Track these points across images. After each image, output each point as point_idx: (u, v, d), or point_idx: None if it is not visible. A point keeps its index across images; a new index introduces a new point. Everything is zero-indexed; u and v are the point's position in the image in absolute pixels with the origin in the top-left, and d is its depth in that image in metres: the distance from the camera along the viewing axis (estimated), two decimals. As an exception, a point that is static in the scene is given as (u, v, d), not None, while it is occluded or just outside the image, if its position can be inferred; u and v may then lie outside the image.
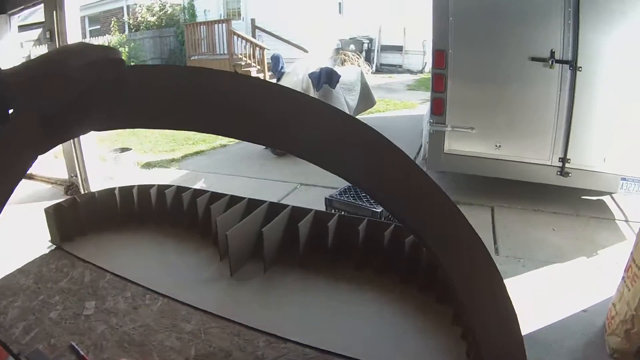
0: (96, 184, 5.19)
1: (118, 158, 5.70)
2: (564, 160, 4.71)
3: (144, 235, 1.97)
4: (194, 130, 0.82)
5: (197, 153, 6.99)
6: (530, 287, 3.52)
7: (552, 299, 3.35)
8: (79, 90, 0.75)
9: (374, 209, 2.76)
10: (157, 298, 1.56)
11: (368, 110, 8.22)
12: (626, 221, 4.77)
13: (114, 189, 2.08)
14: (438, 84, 4.92)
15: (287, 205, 1.88)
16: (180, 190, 2.03)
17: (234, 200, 1.92)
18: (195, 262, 1.77)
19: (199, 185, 5.62)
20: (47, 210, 1.86)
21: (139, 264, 1.77)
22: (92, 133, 5.33)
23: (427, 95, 10.72)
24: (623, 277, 2.83)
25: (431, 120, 5.07)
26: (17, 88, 0.70)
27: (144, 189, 2.07)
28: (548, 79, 4.57)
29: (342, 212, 2.90)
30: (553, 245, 4.23)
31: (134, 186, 2.09)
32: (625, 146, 4.48)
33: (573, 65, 4.45)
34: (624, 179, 4.53)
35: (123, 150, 5.91)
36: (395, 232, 1.72)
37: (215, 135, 6.52)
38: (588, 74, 4.43)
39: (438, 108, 4.98)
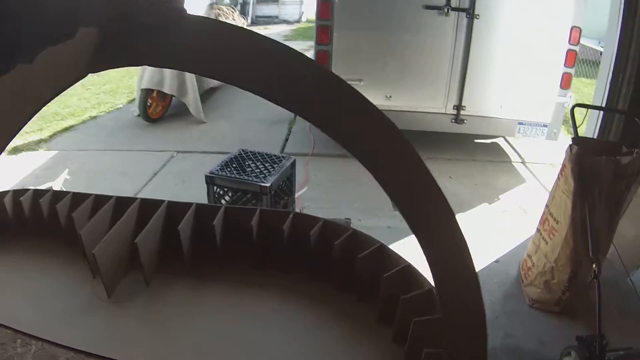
0: (-43, 183, 4.55)
1: (-21, 149, 4.97)
2: (458, 107, 4.71)
3: (3, 257, 1.63)
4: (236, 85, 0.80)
5: (66, 129, 6.30)
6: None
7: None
8: (137, 23, 0.79)
9: (262, 184, 2.50)
10: (30, 342, 1.27)
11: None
12: (523, 162, 4.90)
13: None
14: (322, 36, 4.64)
15: (162, 201, 1.61)
16: (37, 194, 1.69)
17: (99, 201, 1.62)
18: (65, 284, 1.47)
19: (67, 167, 5.09)
20: None
21: (2, 297, 1.45)
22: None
23: (305, 44, 10.70)
24: (538, 230, 2.82)
25: None
26: (86, 6, 0.74)
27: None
28: (443, 27, 4.47)
29: (226, 189, 2.65)
30: (452, 194, 4.16)
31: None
32: (522, 92, 4.53)
33: (470, 13, 4.37)
34: (521, 124, 4.62)
35: (-15, 139, 5.18)
36: (295, 222, 1.52)
37: (83, 108, 5.91)
38: (485, 21, 4.38)
39: (322, 61, 4.69)
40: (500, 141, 5.38)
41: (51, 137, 6.10)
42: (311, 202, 3.93)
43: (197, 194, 4.27)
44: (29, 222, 1.68)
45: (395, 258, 1.38)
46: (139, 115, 6.16)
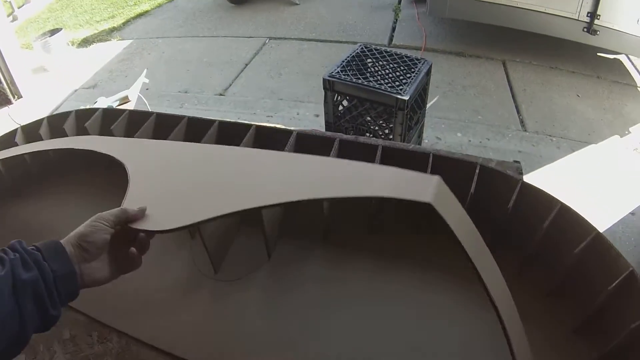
0: (26, 82, 4.19)
1: (47, 44, 4.59)
2: (593, 15, 3.93)
3: (74, 201, 1.21)
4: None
5: (140, 15, 5.88)
6: (570, 178, 2.95)
7: (596, 197, 2.78)
8: None
9: (400, 96, 1.93)
10: (110, 338, 0.90)
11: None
12: (650, 89, 4.16)
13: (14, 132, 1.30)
14: None
15: (291, 132, 1.13)
16: (108, 115, 1.24)
17: (195, 124, 1.15)
18: (155, 250, 1.05)
19: (144, 57, 4.62)
20: None
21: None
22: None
23: None
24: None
25: None
26: None
27: (56, 123, 1.29)
28: None
29: (348, 98, 2.12)
30: (582, 117, 3.62)
31: (41, 121, 1.30)
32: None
33: None
34: (657, 46, 3.82)
35: (52, 32, 4.77)
36: (484, 179, 1.02)
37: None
38: None
39: None
40: (623, 59, 4.55)
41: (124, 24, 5.65)
42: (431, 109, 3.38)
43: (299, 91, 3.79)
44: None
45: (612, 254, 0.89)
46: None
